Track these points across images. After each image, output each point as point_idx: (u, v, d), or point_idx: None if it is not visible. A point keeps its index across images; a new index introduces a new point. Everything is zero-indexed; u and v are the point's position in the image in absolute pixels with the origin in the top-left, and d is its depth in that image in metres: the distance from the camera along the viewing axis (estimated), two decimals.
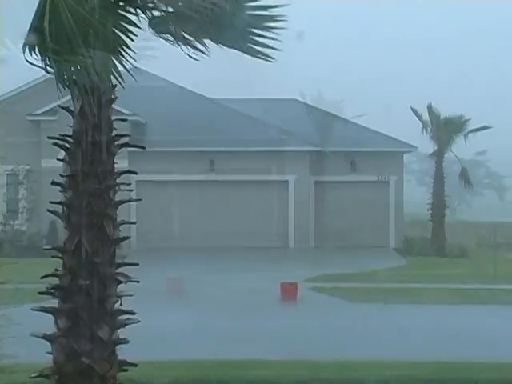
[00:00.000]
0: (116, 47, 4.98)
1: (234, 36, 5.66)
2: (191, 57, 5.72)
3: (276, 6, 5.55)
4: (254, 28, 5.64)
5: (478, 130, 33.07)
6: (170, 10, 5.58)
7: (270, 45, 5.65)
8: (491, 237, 37.63)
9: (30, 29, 4.72)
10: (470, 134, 33.03)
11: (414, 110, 33.30)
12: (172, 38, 5.70)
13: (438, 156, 33.24)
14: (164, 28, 5.64)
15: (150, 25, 5.67)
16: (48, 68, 4.85)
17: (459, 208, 63.44)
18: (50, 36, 4.57)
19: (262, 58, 5.75)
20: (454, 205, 50.99)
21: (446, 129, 32.58)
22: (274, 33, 5.61)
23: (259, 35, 5.65)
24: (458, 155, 34.03)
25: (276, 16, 5.56)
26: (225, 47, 5.77)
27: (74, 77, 4.83)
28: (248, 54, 5.75)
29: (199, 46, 5.71)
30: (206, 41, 5.69)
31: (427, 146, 33.78)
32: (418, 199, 42.37)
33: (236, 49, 5.77)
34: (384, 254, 30.21)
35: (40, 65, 4.82)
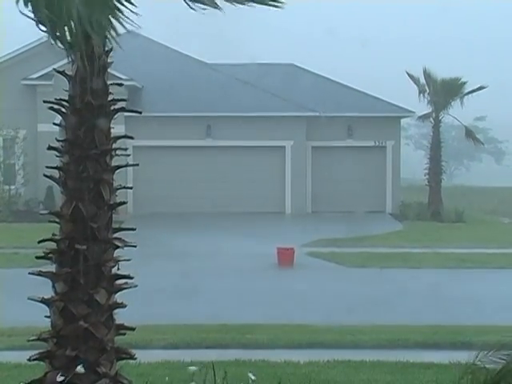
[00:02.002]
0: (112, 4, 4.90)
1: None
2: (193, 9, 5.60)
3: None
4: None
5: (474, 91, 32.89)
6: None
7: None
8: (488, 201, 37.78)
9: None
10: (466, 97, 32.86)
11: (410, 75, 33.14)
12: None
13: (435, 121, 33.17)
14: None
15: None
16: (41, 26, 4.76)
17: (456, 173, 63.62)
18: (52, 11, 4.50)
19: (271, 5, 5.65)
20: (450, 170, 51.20)
21: (442, 92, 32.41)
22: None
23: None
24: (456, 121, 33.97)
25: None
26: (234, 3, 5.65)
27: (68, 37, 4.75)
28: (257, 2, 5.64)
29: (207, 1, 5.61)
30: None
31: (425, 110, 33.70)
32: (415, 164, 42.42)
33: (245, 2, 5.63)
34: (380, 219, 30.30)
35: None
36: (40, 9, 4.63)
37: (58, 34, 4.73)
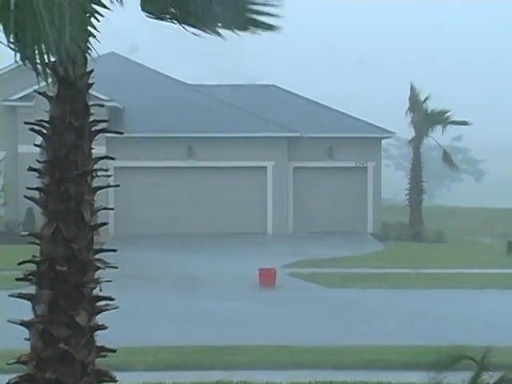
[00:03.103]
0: (85, 29, 4.90)
1: (234, 10, 5.57)
2: (195, 34, 5.62)
3: None
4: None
5: (457, 123, 33.51)
6: None
7: (273, 13, 5.56)
8: (468, 222, 37.98)
9: None
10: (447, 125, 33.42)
11: (412, 88, 33.23)
12: (169, 19, 5.63)
13: (416, 142, 33.45)
14: (158, 9, 5.57)
15: (143, 7, 5.62)
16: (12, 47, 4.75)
17: (436, 193, 63.97)
18: (15, 16, 4.48)
19: (267, 29, 5.68)
20: (431, 190, 51.48)
21: (425, 118, 32.85)
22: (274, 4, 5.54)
23: (261, 4, 5.57)
24: (437, 141, 34.27)
25: None
26: (226, 30, 5.67)
27: (39, 60, 4.73)
28: (253, 26, 5.66)
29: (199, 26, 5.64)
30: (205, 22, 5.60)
31: (407, 131, 34.03)
32: (396, 184, 42.62)
33: (237, 25, 5.65)
34: (362, 240, 30.37)
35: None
36: (13, 36, 4.63)
37: (27, 55, 4.72)
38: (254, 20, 5.66)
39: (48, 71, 5.19)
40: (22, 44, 4.62)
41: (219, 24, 5.64)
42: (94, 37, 5.53)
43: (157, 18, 5.68)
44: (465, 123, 33.67)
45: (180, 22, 5.66)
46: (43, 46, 4.58)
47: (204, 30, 5.69)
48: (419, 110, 32.91)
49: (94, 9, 4.98)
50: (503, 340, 12.91)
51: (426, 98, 33.28)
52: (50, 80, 5.51)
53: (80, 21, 4.69)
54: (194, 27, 5.68)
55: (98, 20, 5.09)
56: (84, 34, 4.92)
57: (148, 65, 35.32)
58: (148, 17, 5.66)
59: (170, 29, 5.68)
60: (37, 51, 4.64)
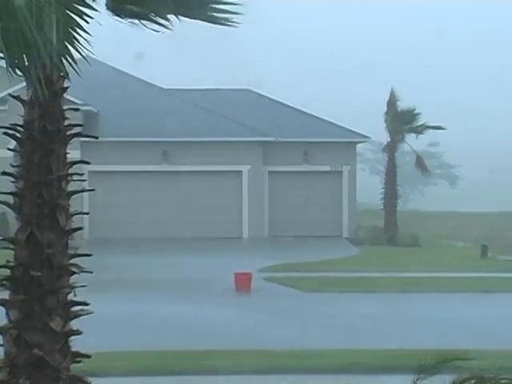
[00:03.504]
0: (70, 31, 4.87)
1: (195, 6, 5.61)
2: (156, 31, 5.65)
3: None
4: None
5: (433, 128, 33.70)
6: None
7: (232, 10, 5.61)
8: (442, 226, 38.26)
9: None
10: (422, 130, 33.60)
11: (392, 93, 33.34)
12: (131, 18, 5.63)
13: (391, 147, 33.63)
14: (122, 7, 5.57)
15: (108, 5, 5.60)
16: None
17: (411, 197, 64.36)
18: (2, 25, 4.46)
19: (225, 25, 5.71)
20: (406, 194, 51.81)
21: (399, 122, 33.04)
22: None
23: (220, 2, 5.62)
24: (411, 146, 34.46)
25: None
26: (186, 18, 5.71)
27: (26, 63, 4.71)
28: (211, 22, 5.71)
29: (161, 21, 5.66)
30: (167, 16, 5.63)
31: (382, 135, 34.20)
32: (370, 189, 42.84)
33: (198, 19, 5.70)
34: (337, 244, 30.46)
35: None
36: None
37: (15, 60, 4.69)
38: (214, 16, 5.71)
39: (20, 74, 5.14)
40: (11, 51, 4.58)
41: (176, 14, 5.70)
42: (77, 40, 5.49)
43: (120, 16, 5.69)
44: (440, 128, 33.89)
45: (139, 18, 5.69)
46: (31, 50, 4.55)
47: (159, 23, 5.72)
48: (394, 115, 33.07)
49: (80, 10, 4.94)
50: (478, 343, 13.01)
51: (397, 101, 33.40)
52: (24, 83, 5.48)
53: (66, 23, 4.66)
54: (151, 20, 5.71)
55: (87, 22, 5.04)
56: (71, 36, 4.88)
57: (123, 69, 35.20)
58: (112, 16, 5.65)
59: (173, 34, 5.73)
60: (25, 56, 4.61)
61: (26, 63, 4.69)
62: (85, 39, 4.95)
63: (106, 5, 5.61)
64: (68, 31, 4.78)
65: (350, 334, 14.72)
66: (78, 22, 4.90)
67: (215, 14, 5.68)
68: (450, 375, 5.14)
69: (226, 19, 5.69)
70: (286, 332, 14.82)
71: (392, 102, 33.44)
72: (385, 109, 33.39)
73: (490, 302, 18.88)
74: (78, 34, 4.93)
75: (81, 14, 4.91)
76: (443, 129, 33.95)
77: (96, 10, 5.07)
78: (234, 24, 5.68)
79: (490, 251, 27.85)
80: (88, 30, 4.97)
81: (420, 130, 33.34)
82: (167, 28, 5.69)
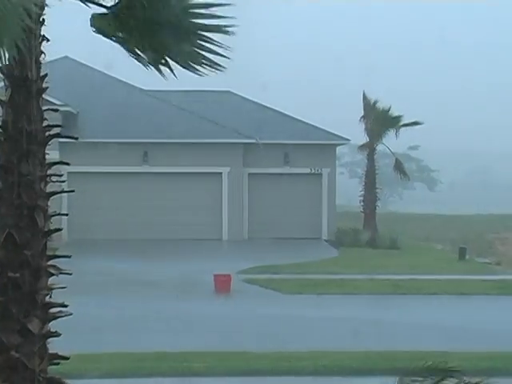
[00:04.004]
0: (23, 28, 4.79)
1: (183, 46, 5.49)
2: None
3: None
4: (205, 37, 5.48)
5: (408, 125, 33.68)
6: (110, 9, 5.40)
7: (220, 52, 5.52)
8: (421, 228, 38.47)
9: None
10: (401, 129, 33.60)
11: (365, 97, 33.41)
12: (114, 40, 5.56)
13: (370, 149, 33.73)
14: (106, 29, 5.50)
15: (91, 22, 5.55)
16: None
17: (390, 200, 64.68)
18: None
19: (213, 68, 5.60)
20: (385, 197, 52.03)
21: (377, 122, 33.06)
22: (220, 44, 5.49)
23: (211, 43, 5.50)
24: (391, 149, 34.61)
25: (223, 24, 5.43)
26: (173, 61, 5.58)
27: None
28: (199, 64, 5.59)
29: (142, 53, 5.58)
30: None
31: (361, 138, 34.31)
32: (350, 191, 42.99)
33: (186, 59, 5.56)
34: (316, 246, 30.52)
35: None
36: None
37: None
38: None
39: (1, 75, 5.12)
40: None
41: (163, 57, 5.57)
42: (48, 40, 5.46)
43: (104, 36, 5.59)
44: (416, 124, 33.87)
45: (125, 48, 5.58)
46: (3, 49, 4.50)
47: (154, 66, 5.61)
48: (371, 115, 33.13)
49: (32, 7, 4.85)
50: (455, 345, 13.09)
51: (376, 102, 33.49)
52: (1, 83, 5.45)
53: (18, 19, 4.57)
54: (136, 56, 5.60)
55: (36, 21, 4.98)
56: (23, 34, 4.80)
57: (103, 69, 35.06)
58: (96, 32, 5.56)
59: None
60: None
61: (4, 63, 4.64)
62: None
63: (90, 21, 5.53)
64: (20, 27, 4.70)
65: (328, 335, 14.75)
66: (29, 19, 4.82)
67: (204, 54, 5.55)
68: (428, 378, 5.16)
69: (214, 62, 5.57)
70: (264, 333, 14.82)
71: (368, 104, 33.47)
72: (362, 112, 33.49)
73: (467, 305, 19.00)
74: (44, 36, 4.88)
75: (31, 11, 4.83)
76: (420, 123, 33.88)
77: (47, 5, 4.99)
78: (221, 68, 5.56)
79: (468, 253, 28.04)
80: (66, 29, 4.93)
81: (396, 124, 33.19)
82: (156, 59, 5.56)
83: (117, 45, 5.59)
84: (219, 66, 5.56)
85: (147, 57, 5.55)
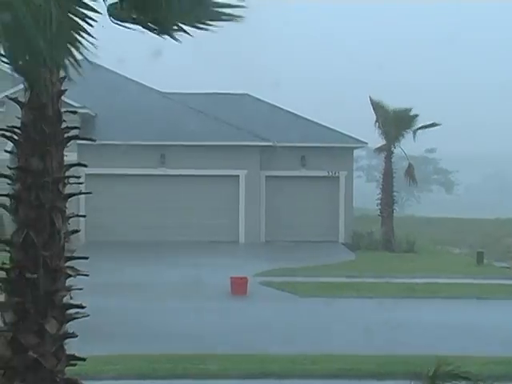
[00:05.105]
0: (72, 34, 4.86)
1: (198, 6, 5.56)
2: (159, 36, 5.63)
3: None
4: None
5: (426, 126, 33.48)
6: None
7: (234, 4, 5.56)
8: (438, 231, 38.29)
9: None
10: (419, 131, 33.39)
11: (372, 102, 33.31)
12: (135, 25, 5.63)
13: (387, 152, 33.59)
14: (123, 14, 5.56)
15: (109, 12, 5.60)
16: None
17: (407, 203, 64.43)
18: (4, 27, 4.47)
19: (229, 20, 5.66)
20: (402, 200, 51.84)
21: (394, 124, 32.89)
22: None
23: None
24: (408, 152, 34.47)
25: None
26: (189, 27, 5.66)
27: (26, 65, 4.72)
28: (214, 19, 5.65)
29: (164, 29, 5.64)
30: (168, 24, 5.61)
31: (378, 142, 34.18)
32: (367, 194, 42.88)
33: (203, 19, 5.64)
34: (333, 249, 30.46)
35: None
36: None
37: (16, 62, 4.70)
38: (217, 12, 5.66)
39: (18, 76, 5.14)
40: (12, 52, 4.58)
41: (181, 22, 5.67)
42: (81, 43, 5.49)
43: (122, 23, 5.67)
44: (434, 125, 33.66)
45: (141, 25, 5.68)
46: (33, 54, 4.55)
47: (166, 32, 5.70)
48: (387, 118, 32.92)
49: (82, 12, 4.94)
50: (473, 349, 13.02)
51: (383, 106, 33.19)
52: (21, 86, 5.49)
53: (68, 24, 4.65)
54: (155, 30, 5.70)
55: (91, 25, 5.04)
56: (74, 39, 4.88)
57: (122, 72, 35.21)
58: (113, 22, 5.64)
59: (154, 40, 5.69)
60: (28, 59, 4.61)
61: (27, 65, 4.69)
62: (90, 42, 4.95)
63: (108, 10, 5.61)
64: (70, 33, 4.78)
65: (344, 338, 14.71)
66: (80, 25, 4.90)
67: (218, 10, 5.61)
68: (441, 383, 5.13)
69: (230, 14, 5.62)
70: (279, 336, 14.81)
71: (378, 107, 33.17)
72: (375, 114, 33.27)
73: (484, 309, 18.89)
74: (82, 36, 4.93)
75: (83, 17, 4.91)
76: (437, 125, 33.64)
77: (99, 13, 5.07)
78: (239, 18, 5.61)
79: (486, 258, 27.87)
80: (93, 33, 4.98)
81: (413, 126, 32.96)
82: (172, 37, 5.67)
83: (133, 30, 5.68)
84: (235, 16, 5.60)
85: (161, 27, 5.64)
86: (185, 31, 5.66)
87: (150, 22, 5.65)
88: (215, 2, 5.63)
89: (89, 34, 4.94)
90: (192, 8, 5.61)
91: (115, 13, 5.60)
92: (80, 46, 4.93)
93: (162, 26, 5.66)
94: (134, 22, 5.66)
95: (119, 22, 5.64)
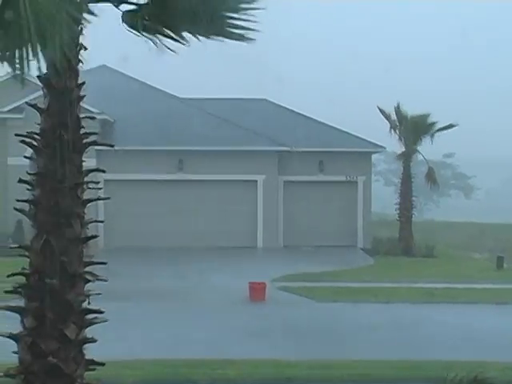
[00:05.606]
0: (72, 37, 4.89)
1: (212, 23, 5.61)
2: (169, 49, 5.70)
3: None
4: (231, 12, 5.61)
5: (444, 128, 33.30)
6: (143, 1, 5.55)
7: (250, 27, 5.61)
8: (458, 236, 38.06)
9: None
10: (436, 134, 33.23)
11: (381, 110, 33.47)
12: (147, 33, 5.67)
13: (406, 156, 33.47)
14: (138, 22, 5.60)
15: (124, 19, 5.64)
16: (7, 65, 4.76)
17: (426, 208, 64.12)
18: (6, 30, 4.48)
19: (242, 41, 5.71)
20: (421, 205, 51.65)
21: (413, 129, 32.78)
22: (251, 15, 5.59)
23: (237, 18, 5.62)
24: (426, 157, 34.31)
25: None
26: (203, 37, 5.72)
27: (19, 64, 4.73)
28: (228, 38, 5.71)
29: (177, 38, 5.70)
30: (184, 34, 5.68)
31: (395, 146, 34.06)
32: (385, 199, 42.72)
33: (215, 35, 5.71)
34: (352, 254, 30.36)
35: None
36: (7, 48, 4.62)
37: (27, 70, 4.72)
38: (229, 31, 5.71)
39: (39, 83, 5.18)
40: (5, 46, 4.59)
41: (194, 33, 5.72)
42: (86, 49, 5.53)
43: (136, 31, 5.72)
44: (451, 126, 33.46)
45: (156, 34, 5.73)
46: (26, 50, 4.55)
47: (180, 41, 5.76)
48: (404, 123, 32.82)
49: (82, 16, 4.96)
50: (493, 356, 12.93)
51: (398, 106, 33.07)
52: (40, 92, 5.53)
53: (67, 27, 4.66)
54: (171, 38, 5.74)
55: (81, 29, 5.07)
56: (71, 42, 4.90)
57: (139, 78, 35.34)
58: (128, 30, 5.68)
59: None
60: (18, 55, 4.60)
61: (18, 64, 4.69)
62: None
63: (122, 18, 5.65)
64: (69, 36, 4.78)
65: (362, 344, 14.65)
66: (78, 29, 4.92)
67: (233, 30, 5.68)
68: None
69: (244, 36, 5.68)
70: (297, 341, 14.77)
71: (398, 109, 33.14)
72: (395, 119, 33.20)
73: (504, 314, 18.75)
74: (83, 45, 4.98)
75: (82, 20, 4.93)
76: (454, 126, 33.41)
77: (95, 15, 5.07)
78: (251, 41, 5.68)
79: (506, 262, 27.67)
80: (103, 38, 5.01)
81: (431, 130, 32.83)
82: (182, 44, 5.72)
83: (146, 39, 5.73)
84: (248, 38, 5.67)
85: (174, 33, 5.70)
86: (198, 39, 5.72)
87: (163, 32, 5.69)
88: (230, 23, 5.66)
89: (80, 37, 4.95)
90: (207, 25, 5.66)
91: (128, 20, 5.63)
92: (79, 51, 4.96)
93: (176, 35, 5.71)
94: (147, 30, 5.70)
95: (132, 30, 5.68)
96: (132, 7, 5.65)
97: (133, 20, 5.61)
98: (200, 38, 5.74)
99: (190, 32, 5.68)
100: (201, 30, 5.67)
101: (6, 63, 4.72)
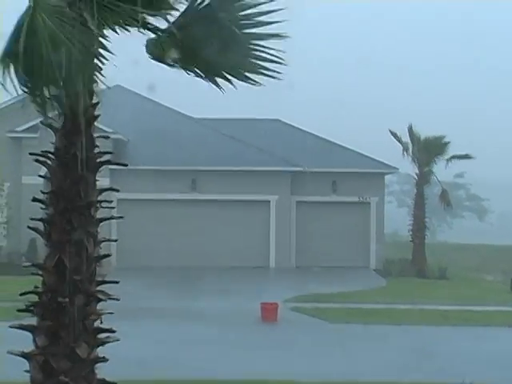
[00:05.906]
0: (90, 68, 4.98)
1: (237, 58, 5.62)
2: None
3: (276, 22, 5.54)
4: (258, 46, 5.61)
5: (460, 157, 33.34)
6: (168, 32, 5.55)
7: (276, 60, 5.62)
8: (471, 258, 37.87)
9: (5, 52, 4.73)
10: (448, 156, 33.26)
11: (393, 133, 33.47)
12: (170, 63, 5.69)
13: (419, 178, 33.41)
14: (161, 52, 5.64)
15: (147, 49, 5.68)
16: (22, 88, 4.86)
17: (439, 229, 63.87)
18: (25, 59, 4.58)
19: (269, 76, 5.72)
20: (434, 226, 51.45)
21: (426, 151, 32.78)
22: (277, 49, 5.61)
23: (264, 51, 5.63)
24: (437, 177, 34.24)
25: (278, 32, 5.55)
26: (230, 76, 5.71)
27: (49, 96, 4.85)
28: (255, 73, 5.71)
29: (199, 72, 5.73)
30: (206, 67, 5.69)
31: (408, 167, 34.01)
32: (398, 220, 42.58)
33: (241, 73, 5.68)
34: (364, 275, 30.24)
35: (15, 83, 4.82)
36: (20, 73, 4.72)
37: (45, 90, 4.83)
38: (260, 66, 5.71)
39: (54, 103, 5.23)
40: (33, 86, 4.71)
41: (220, 71, 5.72)
42: (101, 70, 5.58)
43: (160, 62, 5.74)
44: (467, 157, 33.53)
45: (183, 68, 5.75)
46: (51, 87, 4.68)
47: (202, 77, 5.77)
48: (418, 142, 32.82)
49: (98, 52, 5.06)
50: (501, 377, 12.81)
51: (411, 127, 33.08)
52: (55, 112, 5.57)
53: (85, 63, 4.78)
54: (194, 73, 5.76)
55: (101, 62, 5.15)
56: (89, 73, 4.99)
57: (153, 98, 35.52)
58: (151, 58, 5.72)
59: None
60: (46, 92, 4.74)
61: (53, 93, 4.84)
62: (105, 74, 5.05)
63: (146, 47, 5.69)
64: (87, 68, 4.90)
65: (375, 366, 14.56)
66: (95, 63, 5.02)
67: (260, 63, 5.68)
68: None
69: (270, 69, 5.69)
70: (310, 362, 14.70)
71: (412, 131, 33.17)
72: (407, 140, 33.21)
73: None
74: (99, 72, 5.05)
75: (98, 55, 5.03)
76: (471, 157, 33.53)
77: (113, 54, 5.15)
78: (278, 74, 5.69)
79: None
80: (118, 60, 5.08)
81: (444, 153, 32.85)
82: (217, 86, 5.73)
83: (171, 69, 5.76)
84: (275, 72, 5.67)
85: (202, 72, 5.71)
86: (229, 81, 5.72)
87: (191, 68, 5.71)
88: (260, 56, 5.67)
89: (101, 67, 5.05)
90: (238, 62, 5.66)
91: (154, 51, 5.67)
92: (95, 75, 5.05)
93: (205, 72, 5.72)
94: (173, 63, 5.72)
95: (156, 61, 5.71)
96: (156, 37, 5.62)
97: (156, 49, 5.63)
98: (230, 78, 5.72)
99: (220, 71, 5.66)
100: (231, 69, 5.66)
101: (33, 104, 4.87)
